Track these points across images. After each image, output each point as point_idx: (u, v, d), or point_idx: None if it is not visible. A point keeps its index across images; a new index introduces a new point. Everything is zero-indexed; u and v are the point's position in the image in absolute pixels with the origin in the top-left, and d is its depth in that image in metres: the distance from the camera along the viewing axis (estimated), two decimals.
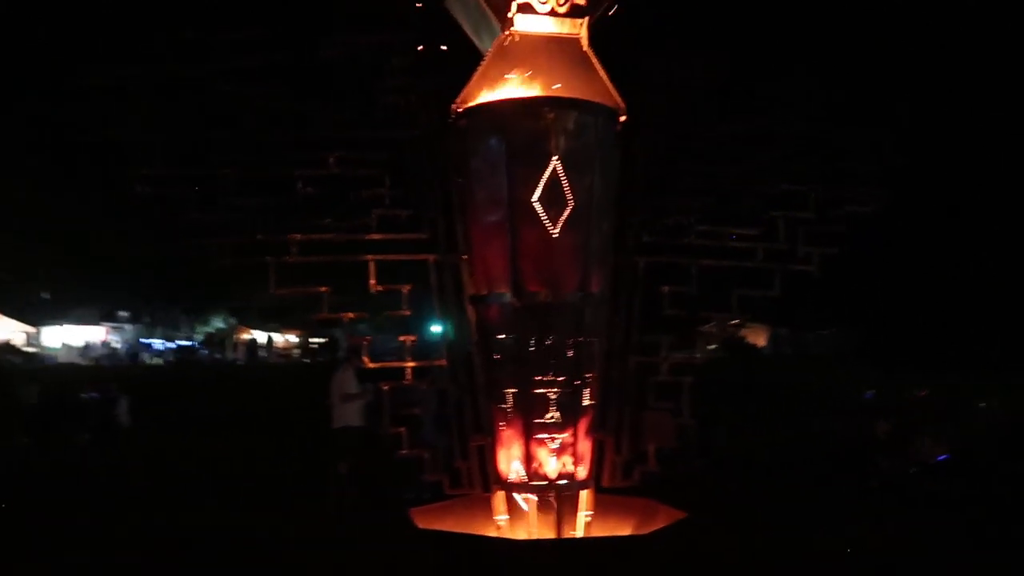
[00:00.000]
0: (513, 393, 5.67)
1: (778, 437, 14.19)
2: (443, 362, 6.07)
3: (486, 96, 5.83)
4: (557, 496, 5.63)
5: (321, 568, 7.02)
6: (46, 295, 38.13)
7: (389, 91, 5.91)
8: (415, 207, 5.99)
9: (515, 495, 5.77)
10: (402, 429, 5.95)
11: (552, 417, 5.60)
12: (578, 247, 5.65)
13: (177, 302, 43.77)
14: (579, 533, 5.80)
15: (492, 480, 5.86)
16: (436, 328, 6.40)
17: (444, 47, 6.19)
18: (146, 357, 38.26)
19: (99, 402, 17.46)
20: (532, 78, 5.80)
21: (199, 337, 44.51)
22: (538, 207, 5.56)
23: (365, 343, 6.39)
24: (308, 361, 36.67)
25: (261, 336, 43.61)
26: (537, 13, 5.71)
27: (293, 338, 44.63)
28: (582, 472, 5.78)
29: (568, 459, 5.66)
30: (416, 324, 6.58)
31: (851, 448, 12.04)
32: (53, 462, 13.46)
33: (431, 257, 6.02)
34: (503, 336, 5.73)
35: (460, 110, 5.85)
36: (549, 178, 5.56)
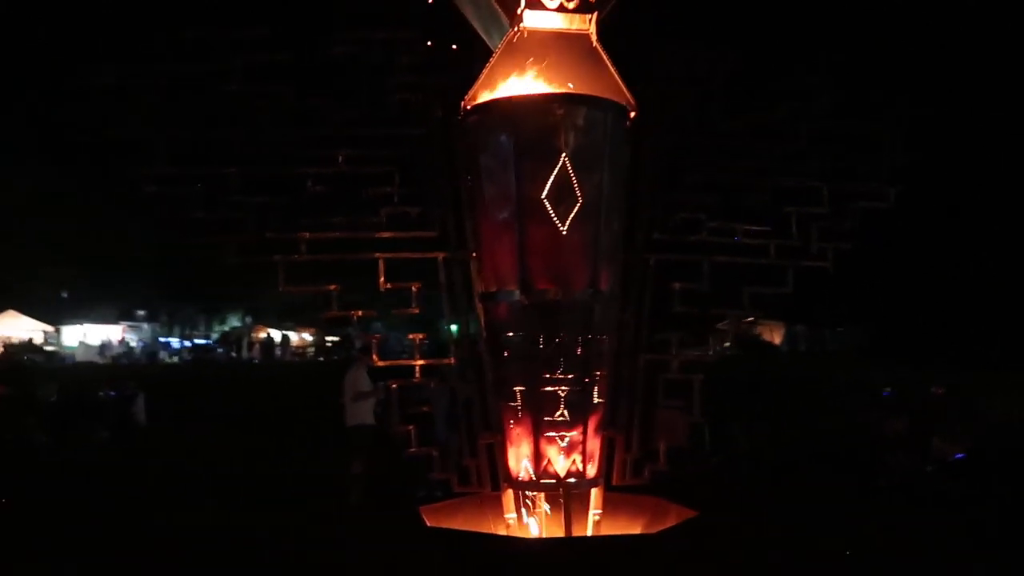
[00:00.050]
0: (522, 391, 5.64)
1: (792, 435, 14.09)
2: (451, 360, 6.06)
3: (495, 93, 5.80)
4: (566, 494, 5.59)
5: (331, 566, 7.03)
6: (65, 294, 38.49)
7: (398, 89, 5.90)
8: (424, 205, 5.98)
9: (524, 493, 5.75)
10: (411, 427, 5.93)
11: (561, 415, 5.57)
12: (587, 244, 5.62)
13: (195, 301, 44.09)
14: (589, 532, 5.77)
15: (502, 478, 5.85)
16: (453, 326, 6.39)
17: (454, 45, 6.18)
18: (164, 356, 38.55)
19: (116, 400, 17.64)
20: (541, 74, 5.77)
21: (216, 336, 44.81)
22: (547, 204, 5.53)
23: (374, 341, 6.39)
24: (322, 359, 36.80)
25: (277, 335, 43.81)
26: (546, 9, 5.67)
27: (308, 336, 44.82)
28: (591, 470, 5.76)
29: (577, 457, 5.63)
30: (431, 322, 6.59)
31: (866, 446, 11.93)
32: (71, 459, 13.60)
33: (440, 255, 6.00)
34: (512, 334, 5.71)
35: (469, 107, 5.83)
36: (558, 175, 5.53)
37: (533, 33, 5.71)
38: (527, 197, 5.54)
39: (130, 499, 10.25)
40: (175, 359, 38.20)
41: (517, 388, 5.67)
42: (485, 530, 5.77)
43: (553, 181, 5.51)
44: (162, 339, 42.01)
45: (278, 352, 40.00)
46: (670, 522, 5.58)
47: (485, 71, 5.78)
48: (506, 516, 5.81)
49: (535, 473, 5.62)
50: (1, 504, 9.76)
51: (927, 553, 7.36)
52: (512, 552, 5.33)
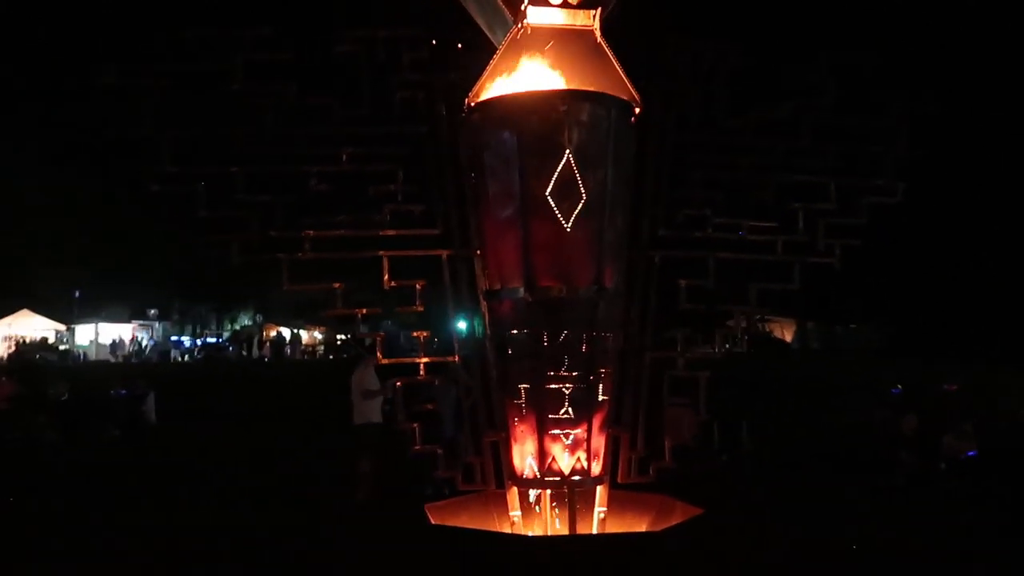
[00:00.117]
0: (526, 388, 5.62)
1: (801, 433, 14.03)
2: (455, 358, 6.05)
3: (498, 90, 5.78)
4: (571, 492, 5.57)
5: (336, 563, 7.05)
6: (77, 293, 38.76)
7: (401, 86, 5.88)
8: (428, 202, 5.96)
9: (529, 491, 5.74)
10: (415, 425, 5.92)
11: (566, 412, 5.55)
12: (591, 241, 5.59)
13: (206, 300, 44.35)
14: (594, 529, 5.75)
15: (506, 476, 5.83)
16: (461, 324, 6.38)
17: (458, 42, 6.16)
18: (175, 355, 38.77)
19: (127, 399, 17.78)
20: (545, 71, 5.75)
21: (227, 334, 45.03)
22: (551, 201, 5.50)
23: (379, 339, 6.39)
24: (332, 358, 36.90)
25: (287, 333, 43.99)
26: (550, 5, 5.63)
27: (319, 335, 44.97)
28: (596, 468, 5.73)
29: (582, 455, 5.60)
30: (438, 320, 6.57)
31: (877, 444, 11.86)
32: (81, 457, 13.69)
33: (444, 252, 5.99)
34: (516, 331, 5.68)
35: (472, 104, 5.81)
36: (562, 172, 5.49)
37: (537, 29, 5.68)
38: (531, 194, 5.51)
39: (137, 497, 10.30)
40: (186, 358, 38.39)
41: (521, 385, 5.64)
42: (490, 528, 5.75)
43: (557, 178, 5.48)
44: (173, 338, 42.27)
45: (288, 350, 40.15)
46: (676, 520, 5.54)
47: (488, 68, 5.75)
48: (511, 514, 5.79)
49: (539, 471, 5.60)
50: (7, 503, 9.83)
51: (934, 552, 7.30)
52: (516, 550, 5.32)
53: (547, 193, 5.50)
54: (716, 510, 5.75)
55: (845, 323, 40.40)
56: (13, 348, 35.29)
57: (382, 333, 6.51)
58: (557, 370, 5.55)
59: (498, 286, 5.81)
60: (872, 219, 6.25)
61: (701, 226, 6.17)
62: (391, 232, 5.91)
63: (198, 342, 42.48)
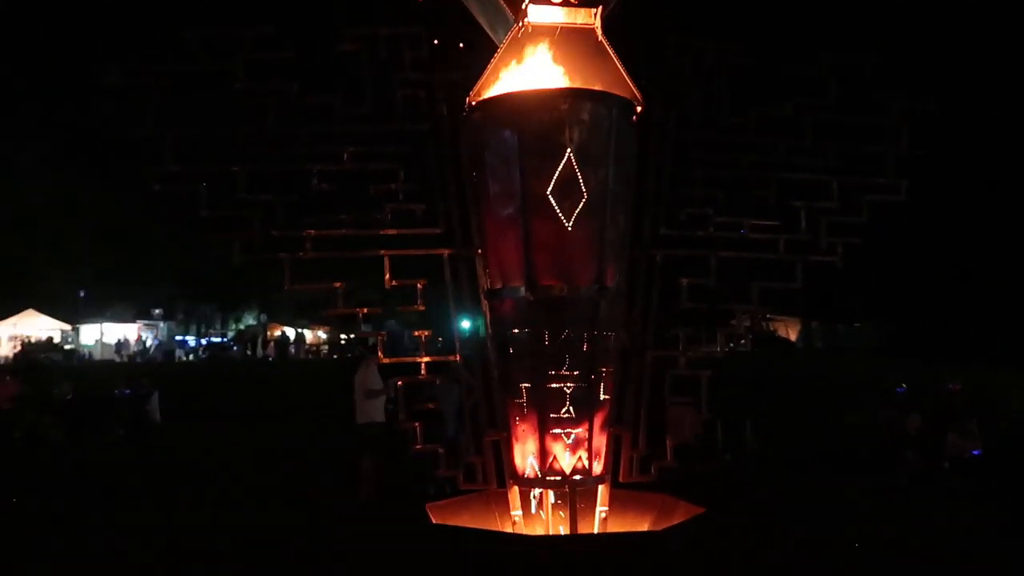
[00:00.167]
0: (528, 388, 5.61)
1: (805, 432, 14.00)
2: (456, 357, 6.04)
3: (499, 88, 5.77)
4: (572, 491, 5.56)
5: (338, 563, 7.06)
6: (82, 293, 38.87)
7: (403, 85, 5.88)
8: (430, 201, 5.96)
9: (531, 490, 5.73)
10: (416, 424, 5.92)
11: (567, 412, 5.54)
12: (593, 240, 5.58)
13: (210, 299, 44.43)
14: (595, 528, 5.74)
15: (507, 475, 5.83)
16: (463, 323, 6.38)
17: (459, 41, 6.15)
18: (180, 354, 38.86)
19: (131, 398, 17.83)
20: (546, 70, 5.74)
21: (231, 334, 45.12)
22: (552, 200, 5.49)
23: (380, 339, 6.39)
24: (336, 357, 36.94)
25: (292, 333, 44.06)
26: (551, 3, 5.62)
27: (323, 334, 45.03)
28: (598, 467, 5.72)
29: (583, 454, 5.59)
30: (441, 319, 6.56)
31: (881, 444, 11.82)
32: (86, 456, 13.73)
33: (446, 251, 5.99)
34: (517, 330, 5.68)
35: (473, 103, 5.80)
36: (563, 170, 5.48)
37: (538, 28, 5.67)
38: (532, 193, 5.51)
39: (141, 497, 10.33)
40: (191, 357, 38.47)
41: (523, 385, 5.64)
42: (491, 527, 5.75)
43: (558, 177, 5.47)
44: (178, 337, 42.37)
45: (292, 350, 40.21)
46: (677, 519, 5.52)
47: (490, 66, 5.75)
48: (512, 513, 5.79)
49: (541, 470, 5.59)
50: (12, 503, 9.85)
51: (937, 552, 7.27)
52: (517, 549, 5.31)
53: (548, 192, 5.49)
54: (719, 510, 5.74)
55: (847, 322, 40.31)
56: (19, 348, 35.41)
57: (383, 332, 6.50)
58: (558, 369, 5.54)
59: (499, 285, 5.80)
60: (873, 217, 6.24)
61: (703, 225, 6.16)
62: (392, 231, 5.91)
63: (202, 342, 42.60)
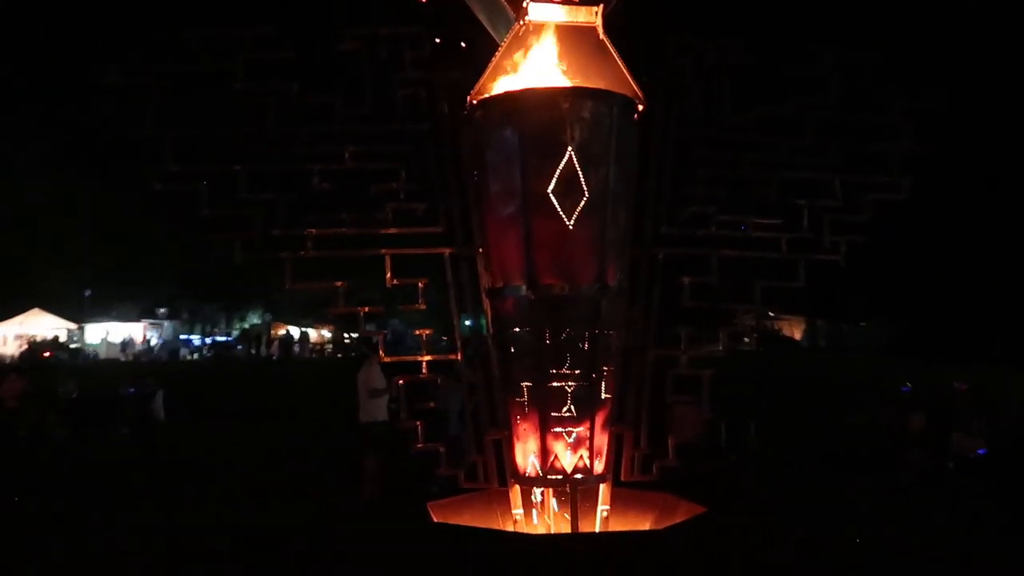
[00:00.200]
0: (529, 387, 5.62)
1: (809, 432, 13.96)
2: (458, 356, 6.05)
3: (501, 87, 5.77)
4: (573, 490, 5.56)
5: (339, 562, 7.05)
6: (88, 292, 38.99)
7: (404, 84, 5.88)
8: (431, 200, 5.96)
9: (532, 489, 5.73)
10: (418, 423, 5.92)
11: (568, 411, 5.54)
12: (594, 239, 5.58)
13: (215, 298, 44.50)
14: (597, 528, 5.74)
15: (509, 474, 5.83)
16: (465, 322, 6.38)
17: (460, 40, 6.15)
18: (184, 353, 38.94)
19: (136, 397, 17.86)
20: (547, 68, 5.73)
21: (236, 333, 45.19)
22: (553, 198, 5.49)
23: (380, 337, 6.39)
24: (340, 356, 36.98)
25: (296, 332, 44.11)
26: (552, 1, 5.62)
27: (327, 333, 45.07)
28: (599, 466, 5.72)
29: (584, 453, 5.59)
30: (445, 318, 6.56)
31: (885, 443, 11.78)
32: (90, 454, 13.78)
33: (447, 250, 5.99)
34: (518, 329, 5.67)
35: (474, 102, 5.80)
36: (564, 169, 5.48)
37: (539, 26, 5.68)
38: (533, 191, 5.51)
39: (144, 495, 10.35)
40: (195, 356, 38.56)
41: (524, 383, 5.64)
42: (493, 526, 5.75)
43: (559, 175, 5.47)
44: (183, 336, 42.46)
45: (296, 349, 40.26)
46: (679, 518, 5.53)
47: (491, 65, 5.75)
48: (513, 512, 5.79)
49: (542, 469, 5.59)
50: (16, 502, 9.88)
51: (939, 552, 7.25)
52: (519, 548, 5.31)
53: (549, 191, 5.49)
54: (720, 509, 5.73)
55: (851, 321, 40.18)
56: (25, 347, 35.54)
57: (383, 331, 6.50)
58: (560, 368, 5.54)
59: (500, 284, 5.80)
60: (876, 216, 6.21)
61: (704, 223, 6.16)
62: (393, 230, 5.92)
63: (207, 340, 42.67)
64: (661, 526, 5.55)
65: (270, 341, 40.86)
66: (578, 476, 5.59)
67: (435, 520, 5.58)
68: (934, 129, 6.15)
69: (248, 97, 5.56)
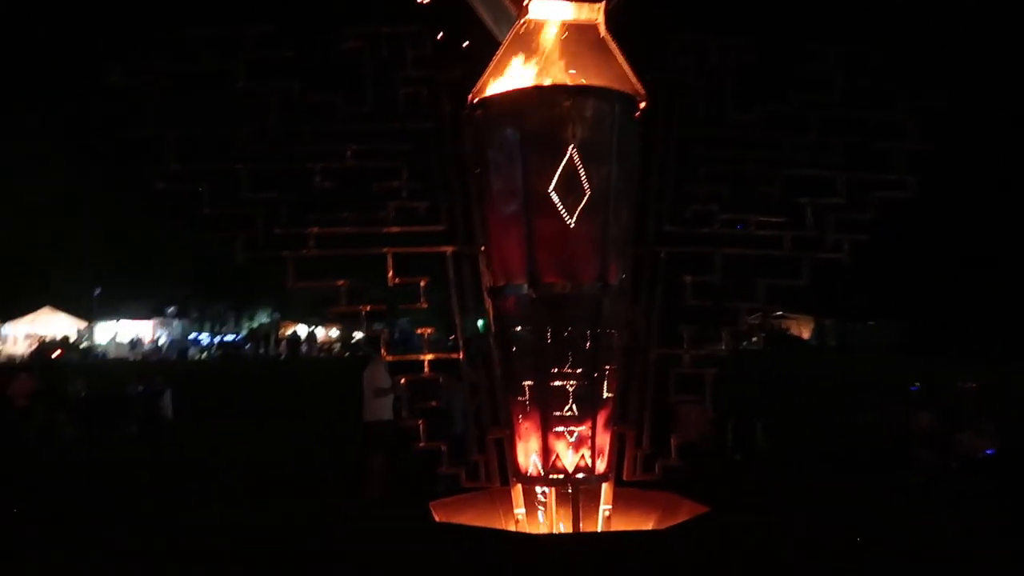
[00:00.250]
0: (530, 386, 5.60)
1: (816, 431, 13.90)
2: (459, 355, 6.04)
3: (502, 85, 5.75)
4: (575, 490, 5.54)
5: (340, 561, 7.07)
6: (98, 291, 39.18)
7: (406, 83, 5.87)
8: (433, 199, 5.95)
9: (534, 488, 5.72)
10: (421, 421, 5.92)
11: (570, 410, 5.51)
12: (596, 237, 5.55)
13: (224, 298, 44.66)
14: (599, 527, 5.72)
15: (510, 473, 5.81)
16: (467, 321, 6.37)
17: (462, 39, 6.14)
18: (193, 352, 39.10)
19: (144, 396, 17.95)
20: (549, 66, 5.71)
21: (244, 332, 45.33)
22: (554, 197, 5.47)
23: (382, 336, 6.39)
24: (348, 355, 37.04)
25: (304, 331, 44.21)
26: None
27: (335, 332, 45.15)
28: (601, 466, 5.69)
29: (586, 452, 5.57)
30: (450, 316, 6.55)
31: (891, 443, 11.72)
32: (98, 453, 13.85)
33: (449, 249, 5.98)
34: (520, 328, 5.66)
35: (476, 100, 5.79)
36: (565, 167, 5.46)
37: (540, 24, 5.66)
38: (534, 190, 5.49)
39: (151, 494, 10.39)
40: (204, 355, 38.70)
41: (525, 382, 5.62)
42: (495, 525, 5.74)
43: (560, 173, 5.44)
44: (191, 335, 42.62)
45: (304, 348, 40.35)
46: (682, 518, 5.49)
47: (492, 63, 5.73)
48: (515, 511, 5.77)
49: (543, 468, 5.57)
50: (18, 502, 9.93)
51: (941, 552, 7.20)
52: (521, 548, 5.30)
53: (551, 189, 5.47)
54: (723, 509, 5.70)
55: (854, 319, 39.94)
56: (35, 346, 35.76)
57: (386, 330, 6.50)
58: (561, 367, 5.52)
59: (502, 282, 5.79)
60: (881, 214, 6.17)
61: (707, 222, 6.12)
62: (395, 229, 5.91)
63: (215, 340, 42.82)
64: (664, 526, 5.52)
65: (278, 340, 40.97)
66: (580, 475, 5.56)
67: (437, 519, 5.56)
68: (938, 128, 6.10)
69: (249, 96, 5.57)
